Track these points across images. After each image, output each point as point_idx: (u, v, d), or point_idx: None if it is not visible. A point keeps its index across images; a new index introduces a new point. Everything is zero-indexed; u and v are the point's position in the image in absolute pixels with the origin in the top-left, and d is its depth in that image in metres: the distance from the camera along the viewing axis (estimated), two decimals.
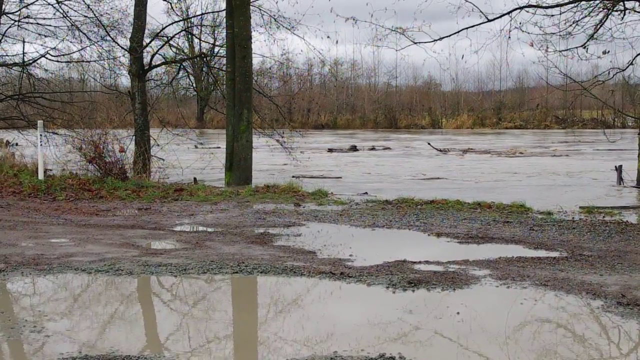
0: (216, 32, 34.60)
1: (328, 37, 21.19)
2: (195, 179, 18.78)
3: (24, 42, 22.46)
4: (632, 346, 5.87)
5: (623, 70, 18.39)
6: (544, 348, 5.60)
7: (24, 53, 22.65)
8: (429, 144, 36.55)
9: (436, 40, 17.19)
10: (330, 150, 35.39)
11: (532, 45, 17.31)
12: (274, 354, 5.48)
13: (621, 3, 17.30)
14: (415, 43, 17.26)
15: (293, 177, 19.69)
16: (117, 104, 23.83)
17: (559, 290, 7.16)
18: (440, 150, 34.14)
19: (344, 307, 6.81)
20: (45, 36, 22.20)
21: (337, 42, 30.20)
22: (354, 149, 35.98)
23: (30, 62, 22.49)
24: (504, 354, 5.49)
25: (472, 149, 35.77)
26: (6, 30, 22.18)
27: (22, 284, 7.55)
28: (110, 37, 21.30)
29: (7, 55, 23.44)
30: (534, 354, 5.46)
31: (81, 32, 21.39)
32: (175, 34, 24.26)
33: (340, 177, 21.69)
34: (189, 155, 22.24)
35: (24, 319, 6.27)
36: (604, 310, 6.53)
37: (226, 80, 18.90)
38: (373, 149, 36.74)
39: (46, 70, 24.39)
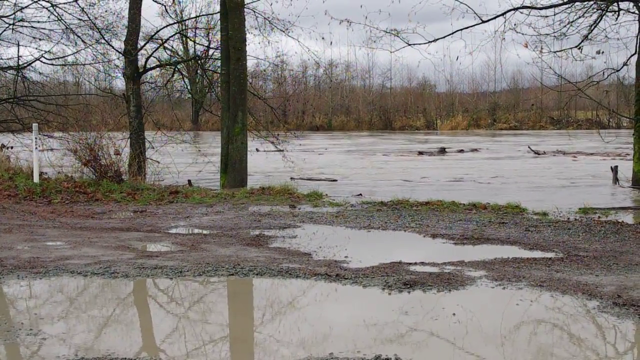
0: (210, 34, 34.57)
1: (322, 38, 21.60)
2: (189, 181, 18.78)
3: (18, 45, 22.46)
4: (628, 346, 5.89)
5: (617, 70, 18.45)
6: (540, 349, 5.61)
7: (18, 56, 22.65)
8: (529, 147, 35.16)
9: (430, 41, 17.26)
10: (420, 153, 34.04)
11: (526, 46, 17.36)
12: (270, 356, 5.48)
13: (615, 4, 17.35)
14: (410, 44, 17.33)
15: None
16: (112, 107, 23.82)
17: (555, 291, 7.17)
18: (537, 153, 33.06)
19: (340, 309, 6.82)
20: (40, 39, 22.20)
21: (331, 43, 30.33)
22: (443, 151, 34.95)
23: (25, 65, 22.49)
24: (500, 354, 5.50)
25: (560, 150, 34.46)
26: (1, 33, 22.18)
27: (18, 287, 7.54)
28: (105, 40, 21.33)
29: (1, 59, 23.54)
30: (530, 354, 5.47)
31: (76, 35, 21.40)
32: (170, 37, 24.24)
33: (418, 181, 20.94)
34: (184, 158, 22.20)
35: (20, 322, 6.26)
36: (599, 310, 6.54)
37: (221, 82, 18.88)
38: (462, 151, 35.49)
39: (41, 73, 24.42)
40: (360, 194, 16.49)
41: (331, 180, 20.65)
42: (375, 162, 28.23)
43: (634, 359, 5.65)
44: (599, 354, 5.58)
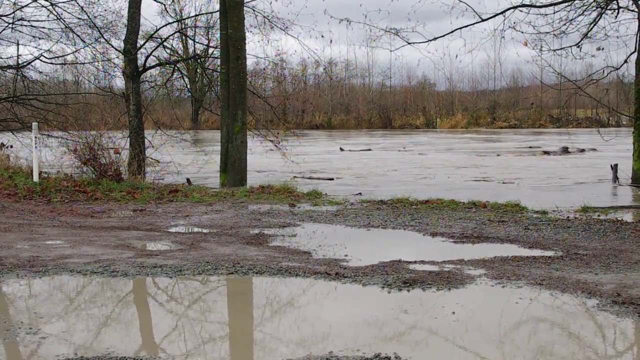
0: (210, 33, 34.57)
1: (322, 36, 21.23)
2: (188, 179, 18.79)
3: (18, 44, 22.46)
4: (627, 345, 5.89)
5: (617, 68, 18.46)
6: (539, 347, 5.61)
7: (18, 55, 22.63)
8: None
9: (430, 40, 17.27)
10: (545, 152, 32.71)
11: (526, 45, 17.37)
12: (269, 355, 5.48)
13: (615, 1, 17.35)
14: (410, 43, 17.35)
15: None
16: (112, 106, 23.83)
17: (554, 290, 7.17)
18: None
19: (340, 308, 6.82)
20: (40, 38, 22.22)
21: (331, 42, 30.23)
22: (565, 150, 33.34)
23: (25, 64, 22.48)
24: (499, 353, 5.50)
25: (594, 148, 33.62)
26: (0, 32, 22.17)
27: (18, 286, 7.54)
28: (104, 39, 21.34)
29: (1, 58, 23.47)
30: (530, 353, 5.47)
31: (75, 34, 21.40)
32: (169, 36, 24.26)
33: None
34: (183, 157, 22.22)
35: (20, 320, 6.26)
36: (599, 309, 6.54)
37: (220, 81, 18.88)
38: (582, 150, 33.64)
39: (40, 72, 24.43)
40: (360, 193, 16.48)
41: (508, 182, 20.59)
42: (528, 162, 27.70)
43: (634, 357, 5.65)
44: (598, 353, 5.58)
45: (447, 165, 26.47)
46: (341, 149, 36.13)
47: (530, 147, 36.12)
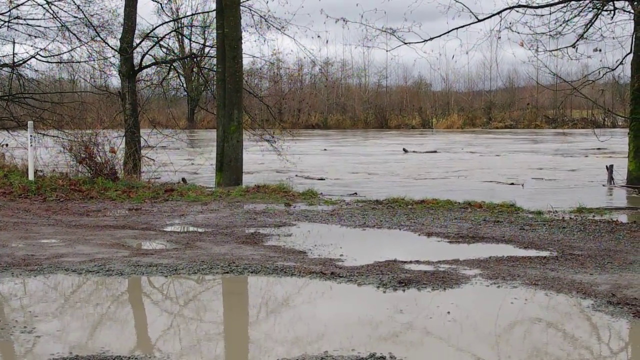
0: (206, 32, 34.61)
1: (318, 36, 21.14)
2: (184, 179, 18.77)
3: (13, 42, 22.38)
4: (621, 345, 5.90)
5: (613, 69, 18.47)
6: (534, 347, 5.62)
7: (13, 54, 22.56)
8: None
9: (426, 40, 17.25)
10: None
11: (522, 45, 17.37)
12: (264, 354, 5.48)
13: (611, 3, 17.36)
14: (406, 43, 17.32)
15: None
16: (108, 105, 23.77)
17: (550, 290, 7.18)
18: None
19: (335, 307, 6.82)
20: (36, 37, 22.13)
21: (327, 41, 30.15)
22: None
23: (20, 62, 22.41)
24: (494, 353, 5.51)
25: None
26: None
27: (12, 285, 7.52)
28: (100, 37, 21.26)
29: None
30: (525, 353, 5.48)
31: (71, 32, 21.33)
32: (166, 35, 24.26)
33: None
34: (179, 156, 22.20)
35: (14, 319, 6.25)
36: (594, 309, 6.55)
37: (216, 80, 18.87)
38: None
39: (36, 70, 24.32)
40: (355, 193, 16.49)
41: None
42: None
43: (628, 357, 5.66)
44: (593, 353, 5.58)
45: (549, 166, 25.61)
46: (405, 150, 34.59)
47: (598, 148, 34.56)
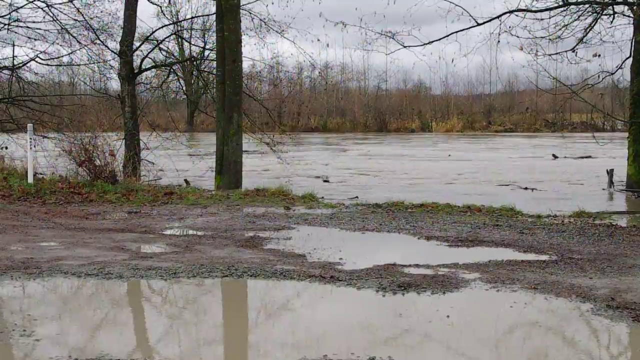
0: (206, 35, 34.65)
1: (318, 40, 21.40)
2: (186, 180, 18.78)
3: (13, 45, 22.36)
4: (621, 349, 5.90)
5: (612, 73, 18.48)
6: (534, 351, 5.62)
7: (13, 56, 22.56)
8: None
9: (425, 44, 17.28)
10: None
11: (521, 49, 17.40)
12: (264, 358, 5.48)
13: (610, 7, 17.39)
14: (405, 47, 17.35)
15: None
16: (107, 108, 23.79)
17: (549, 294, 7.18)
18: None
19: (334, 311, 6.82)
20: (35, 40, 22.12)
21: (327, 45, 30.18)
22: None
23: (20, 65, 22.41)
24: (493, 357, 5.50)
25: None
26: None
27: (12, 288, 7.52)
28: (100, 40, 21.28)
29: None
30: (524, 357, 5.48)
31: (71, 35, 21.33)
32: (165, 38, 24.24)
33: None
34: (179, 159, 22.19)
35: (14, 322, 6.24)
36: (593, 313, 6.55)
37: (216, 83, 18.87)
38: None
39: (36, 73, 24.34)
40: (356, 197, 16.49)
41: None
42: None
43: None
44: (592, 357, 5.58)
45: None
46: (554, 156, 32.22)
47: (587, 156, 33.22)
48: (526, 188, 19.17)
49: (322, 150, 37.88)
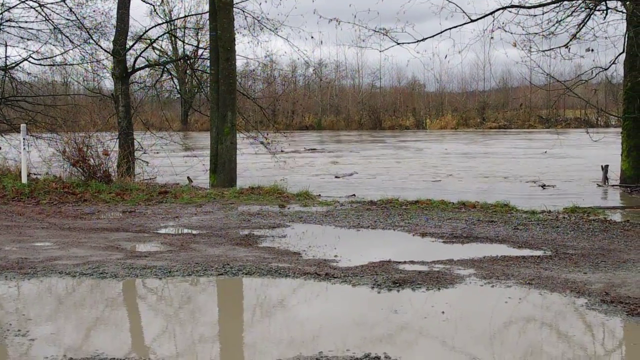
0: (200, 34, 34.58)
1: (312, 37, 21.24)
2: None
3: (6, 45, 22.32)
4: (615, 343, 5.91)
5: (606, 69, 18.54)
6: (528, 346, 5.62)
7: (6, 56, 22.53)
8: None
9: (419, 40, 17.27)
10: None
11: (515, 46, 17.42)
12: (259, 355, 5.47)
13: (603, 2, 17.41)
14: (399, 44, 17.34)
15: None
16: (101, 107, 23.79)
17: (543, 289, 7.19)
18: None
19: (330, 308, 6.82)
20: (28, 39, 22.10)
21: (321, 42, 30.18)
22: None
23: (13, 65, 22.38)
24: (489, 352, 5.51)
25: None
26: None
27: (6, 288, 7.50)
28: (93, 40, 21.26)
29: None
30: (519, 352, 5.49)
31: (64, 35, 21.31)
32: (159, 37, 24.24)
33: None
34: (173, 158, 22.17)
35: (9, 323, 6.23)
36: (587, 308, 6.56)
37: (210, 82, 18.88)
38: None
39: (29, 73, 24.32)
40: (354, 195, 16.50)
41: None
42: None
43: (622, 355, 5.67)
44: (587, 351, 5.59)
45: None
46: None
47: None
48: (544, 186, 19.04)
49: (396, 149, 36.90)
